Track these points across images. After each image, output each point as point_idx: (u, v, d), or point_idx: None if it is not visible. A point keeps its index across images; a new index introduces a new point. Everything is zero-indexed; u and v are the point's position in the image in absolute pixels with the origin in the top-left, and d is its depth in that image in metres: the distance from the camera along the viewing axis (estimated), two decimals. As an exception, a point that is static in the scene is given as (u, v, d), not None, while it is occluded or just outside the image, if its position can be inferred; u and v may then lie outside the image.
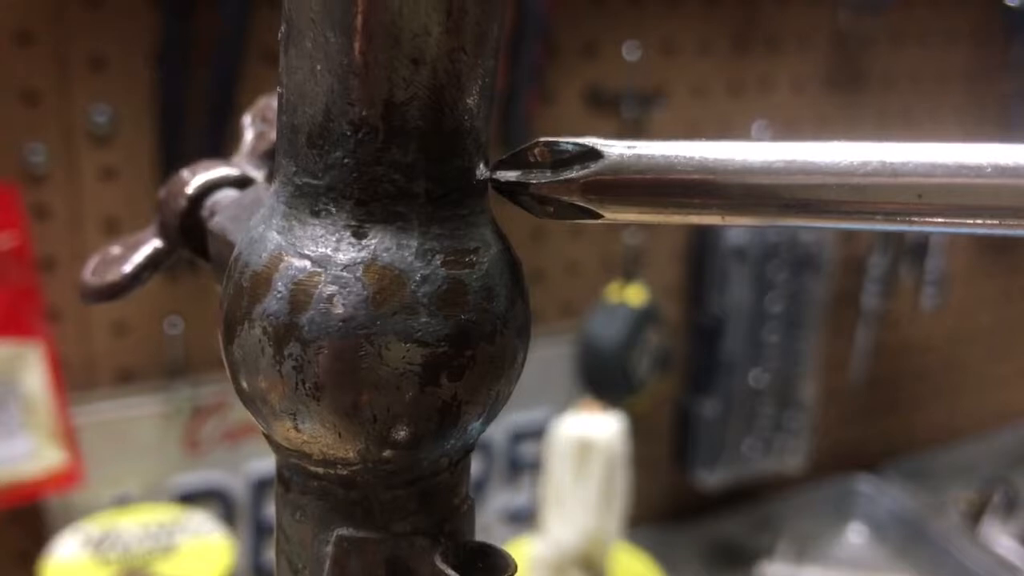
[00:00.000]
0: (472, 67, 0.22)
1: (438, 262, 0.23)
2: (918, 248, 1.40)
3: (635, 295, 1.19)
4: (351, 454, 0.24)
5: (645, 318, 1.17)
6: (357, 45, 0.21)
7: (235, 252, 0.24)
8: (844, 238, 1.40)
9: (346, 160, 0.22)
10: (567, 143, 0.24)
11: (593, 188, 0.23)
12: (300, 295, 0.22)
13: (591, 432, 1.04)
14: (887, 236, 1.39)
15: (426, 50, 0.22)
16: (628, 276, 1.21)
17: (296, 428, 0.24)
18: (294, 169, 0.23)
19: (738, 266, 1.27)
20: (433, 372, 0.23)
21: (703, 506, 1.40)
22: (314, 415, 0.23)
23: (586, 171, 0.23)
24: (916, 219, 0.22)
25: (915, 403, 1.61)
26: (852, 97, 1.37)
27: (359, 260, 0.22)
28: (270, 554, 1.14)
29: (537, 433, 1.18)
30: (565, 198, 0.24)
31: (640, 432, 1.14)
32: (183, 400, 1.06)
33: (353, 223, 0.23)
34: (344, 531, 0.25)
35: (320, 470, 0.24)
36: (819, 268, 1.32)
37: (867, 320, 1.44)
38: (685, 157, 0.23)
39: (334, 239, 0.23)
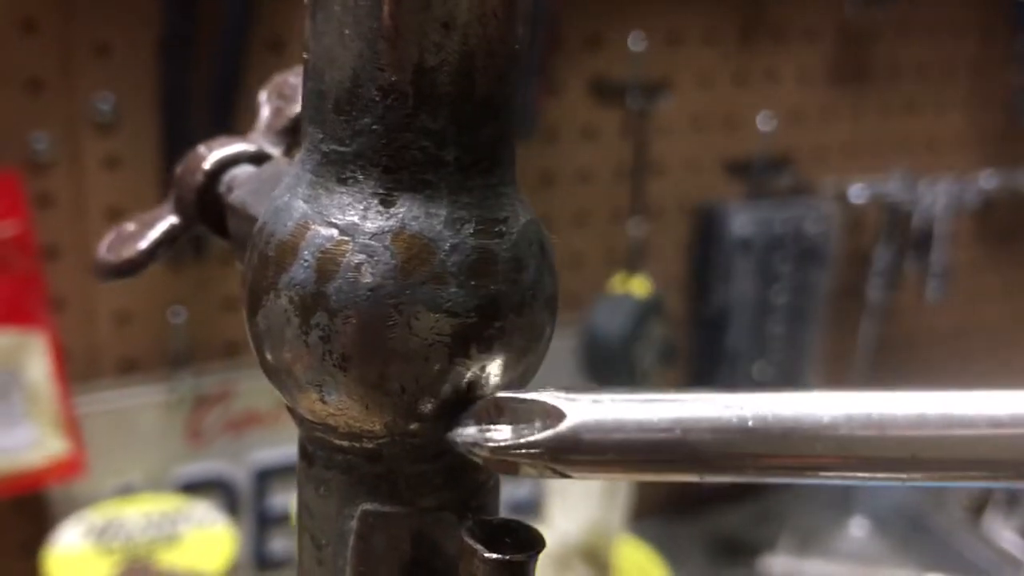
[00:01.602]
0: (502, 32, 0.22)
1: (468, 231, 0.22)
2: (923, 241, 1.40)
3: (639, 287, 1.18)
4: (377, 427, 0.23)
5: (649, 310, 1.17)
6: (387, 8, 0.21)
7: (259, 222, 0.24)
8: (849, 230, 1.40)
9: (374, 126, 0.22)
10: (528, 399, 0.22)
11: (557, 451, 0.21)
12: (327, 264, 0.22)
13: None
14: (892, 228, 1.38)
15: (457, 14, 0.21)
16: (632, 268, 1.21)
17: (322, 400, 0.23)
18: (320, 136, 0.23)
19: (743, 258, 1.26)
20: (462, 343, 0.22)
21: (706, 499, 1.40)
22: (340, 387, 0.23)
23: (548, 433, 0.21)
24: (909, 475, 0.21)
25: (918, 396, 1.60)
26: (858, 89, 1.37)
27: (387, 228, 0.22)
28: (272, 544, 1.14)
29: (541, 424, 1.18)
30: (527, 462, 0.22)
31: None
32: (186, 390, 1.06)
33: (381, 191, 0.22)
34: (369, 506, 0.24)
35: (345, 443, 0.24)
36: (824, 260, 1.32)
37: (871, 312, 1.44)
38: (655, 416, 0.21)
39: (362, 207, 0.22)
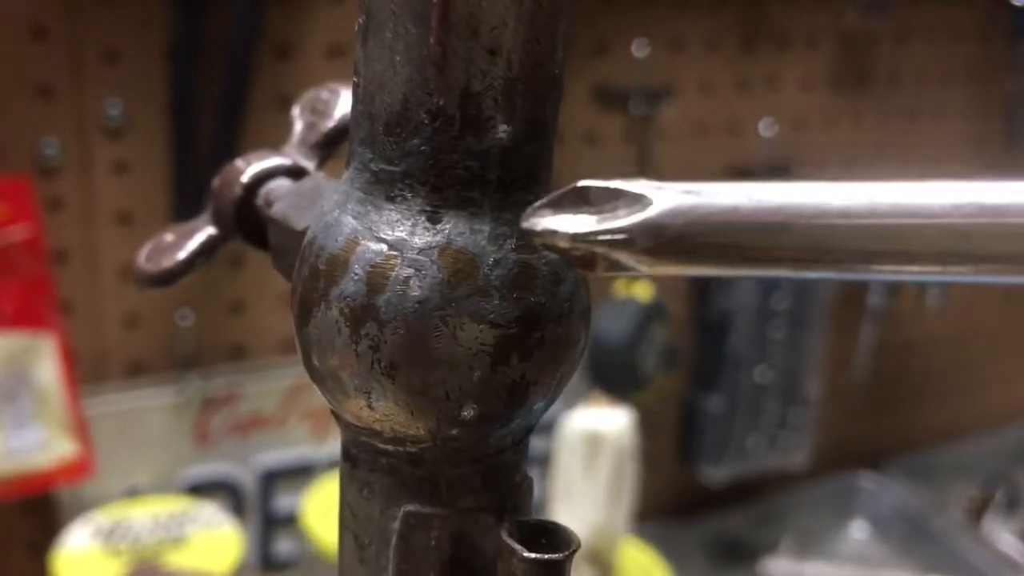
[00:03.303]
0: (544, 57, 0.23)
1: (510, 246, 0.23)
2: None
3: (642, 291, 1.19)
4: (421, 432, 0.24)
5: (652, 314, 1.18)
6: (437, 37, 0.22)
7: (309, 236, 0.25)
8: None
9: (423, 148, 0.23)
10: (612, 185, 0.21)
11: (643, 238, 0.20)
12: (377, 278, 0.23)
13: (600, 426, 1.05)
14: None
15: (503, 41, 0.22)
16: (635, 272, 1.21)
17: (370, 406, 0.24)
18: (370, 156, 0.24)
19: (744, 263, 1.27)
20: (504, 353, 0.23)
21: (708, 501, 1.41)
22: (388, 393, 0.24)
23: (635, 219, 0.20)
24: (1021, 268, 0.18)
25: (918, 401, 1.62)
26: (858, 95, 1.38)
27: (434, 244, 0.23)
28: (278, 545, 1.15)
29: (545, 427, 1.18)
30: (608, 251, 0.20)
31: (646, 427, 1.14)
32: (193, 392, 1.07)
33: (428, 208, 0.23)
34: (411, 507, 0.25)
35: (389, 447, 0.25)
36: (824, 265, 1.33)
37: (871, 318, 1.45)
38: (751, 202, 0.19)
39: (410, 224, 0.23)
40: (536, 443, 1.25)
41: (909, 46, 1.40)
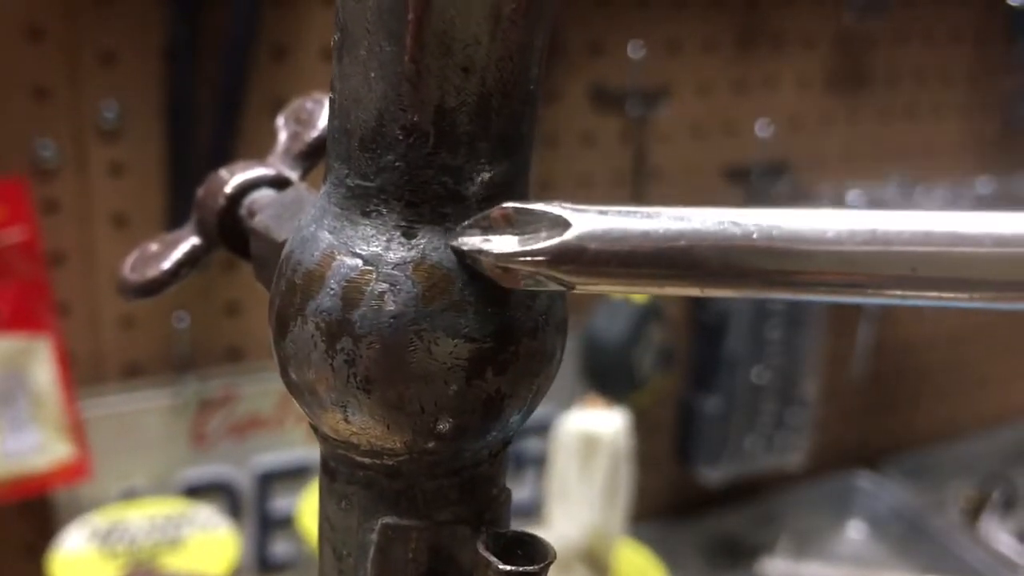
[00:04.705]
0: (518, 75, 0.23)
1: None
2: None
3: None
4: (398, 445, 0.24)
5: (648, 315, 1.18)
6: (411, 54, 0.22)
7: (286, 250, 0.25)
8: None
9: (397, 163, 0.23)
10: (535, 209, 0.22)
11: (561, 259, 0.21)
12: (352, 292, 0.23)
13: (596, 428, 1.05)
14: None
15: (476, 59, 0.22)
16: (632, 273, 1.21)
17: (346, 420, 0.24)
18: (346, 171, 0.24)
19: (741, 263, 1.27)
20: (479, 367, 0.24)
21: (705, 502, 1.41)
22: (364, 407, 0.24)
23: (553, 241, 0.22)
24: (910, 293, 0.20)
25: (916, 400, 1.62)
26: (855, 96, 1.38)
27: (409, 259, 0.23)
28: (275, 547, 1.15)
29: (541, 429, 1.19)
30: (531, 269, 0.22)
31: (643, 428, 1.14)
32: (190, 394, 1.07)
33: (403, 223, 0.23)
34: (389, 519, 0.25)
35: (367, 460, 0.25)
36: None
37: (868, 317, 1.45)
38: (660, 227, 0.21)
39: (385, 239, 0.24)
40: (532, 444, 1.25)
41: (906, 46, 1.40)
